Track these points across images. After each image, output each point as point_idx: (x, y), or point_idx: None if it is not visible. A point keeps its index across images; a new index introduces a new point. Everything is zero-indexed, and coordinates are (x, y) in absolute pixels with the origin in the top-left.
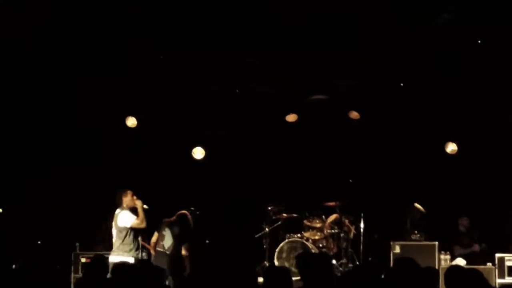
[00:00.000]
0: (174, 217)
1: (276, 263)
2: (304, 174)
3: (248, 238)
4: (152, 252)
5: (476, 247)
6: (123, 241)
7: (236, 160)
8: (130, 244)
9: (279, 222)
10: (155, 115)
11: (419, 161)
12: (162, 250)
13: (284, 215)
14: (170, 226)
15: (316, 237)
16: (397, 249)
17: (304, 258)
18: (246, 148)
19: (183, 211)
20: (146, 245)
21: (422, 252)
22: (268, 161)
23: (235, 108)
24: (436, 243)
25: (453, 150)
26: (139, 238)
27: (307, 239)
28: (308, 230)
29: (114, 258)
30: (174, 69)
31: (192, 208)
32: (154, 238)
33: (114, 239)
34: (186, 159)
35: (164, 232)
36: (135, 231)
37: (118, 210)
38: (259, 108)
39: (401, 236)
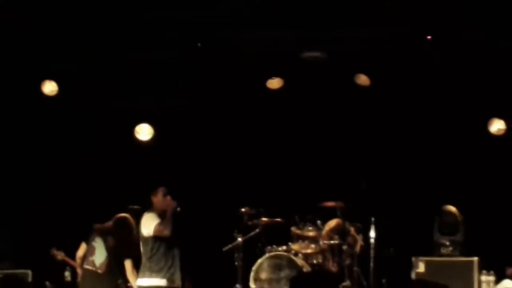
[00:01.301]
0: (109, 223)
1: (252, 287)
2: (292, 163)
3: (213, 252)
4: (78, 270)
5: None
6: (150, 257)
7: (197, 142)
8: (160, 261)
9: (257, 230)
10: (82, 79)
11: (452, 145)
12: (91, 268)
13: (264, 219)
14: (104, 235)
15: (309, 251)
16: (421, 268)
17: (301, 283)
18: (211, 126)
19: (122, 215)
20: (70, 261)
21: (456, 272)
22: (242, 144)
23: (195, 70)
24: (476, 259)
25: (499, 130)
26: (175, 252)
27: (296, 253)
28: (298, 241)
29: (142, 282)
30: (107, 13)
31: (136, 207)
32: (80, 252)
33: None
34: (126, 140)
35: (94, 244)
36: (167, 242)
37: (145, 214)
38: (229, 70)
39: (426, 249)
